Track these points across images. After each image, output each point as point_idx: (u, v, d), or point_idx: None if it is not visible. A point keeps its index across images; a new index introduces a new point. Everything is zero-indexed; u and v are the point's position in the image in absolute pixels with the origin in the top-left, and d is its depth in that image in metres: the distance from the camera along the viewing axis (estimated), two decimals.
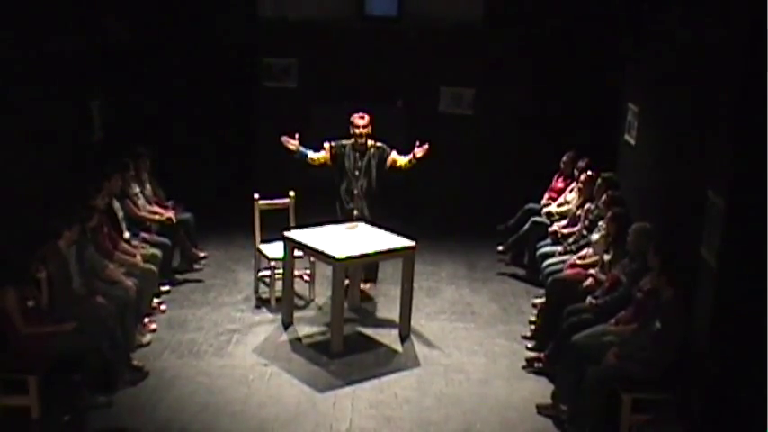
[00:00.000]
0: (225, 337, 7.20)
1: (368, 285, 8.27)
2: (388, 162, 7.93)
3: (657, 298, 5.69)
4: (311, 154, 8.00)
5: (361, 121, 7.92)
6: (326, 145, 8.02)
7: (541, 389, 6.40)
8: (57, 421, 5.74)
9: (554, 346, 6.54)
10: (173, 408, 6.03)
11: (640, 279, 6.12)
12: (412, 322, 7.41)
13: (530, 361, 6.80)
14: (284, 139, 7.94)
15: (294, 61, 10.77)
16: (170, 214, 8.38)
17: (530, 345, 7.15)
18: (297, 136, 7.96)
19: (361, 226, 7.72)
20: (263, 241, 8.00)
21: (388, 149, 7.98)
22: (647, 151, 7.91)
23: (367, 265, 8.02)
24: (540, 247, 8.31)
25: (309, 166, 8.06)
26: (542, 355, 6.72)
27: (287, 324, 7.47)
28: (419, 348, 7.15)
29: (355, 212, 7.97)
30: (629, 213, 7.10)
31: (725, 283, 5.24)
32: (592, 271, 7.01)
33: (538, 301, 7.79)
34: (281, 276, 7.63)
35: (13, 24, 7.00)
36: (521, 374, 6.72)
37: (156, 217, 8.28)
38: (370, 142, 7.97)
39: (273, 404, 6.12)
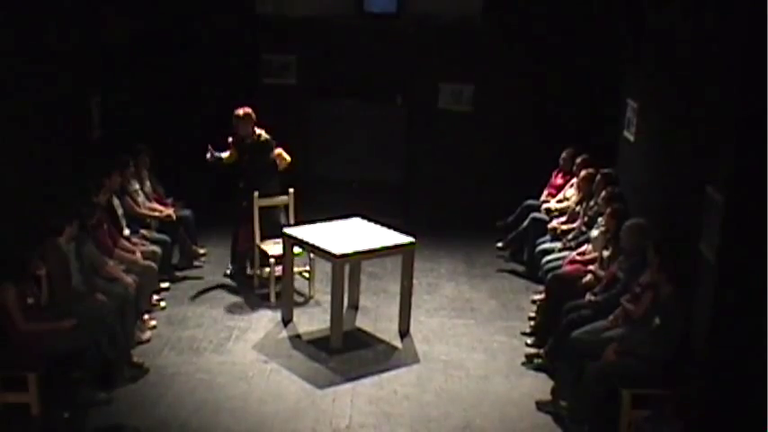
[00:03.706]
0: (224, 334, 7.21)
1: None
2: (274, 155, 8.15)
3: (657, 294, 5.69)
4: (225, 155, 8.26)
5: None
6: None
7: (541, 385, 6.40)
8: (57, 418, 5.75)
9: (553, 342, 6.55)
10: (172, 404, 6.04)
11: (638, 275, 6.12)
12: (411, 319, 7.42)
13: (529, 357, 6.81)
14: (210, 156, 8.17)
15: (293, 58, 10.75)
16: (170, 211, 8.39)
17: (529, 341, 7.15)
18: (210, 147, 8.19)
19: (360, 222, 7.73)
20: (262, 238, 8.01)
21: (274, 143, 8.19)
22: (646, 147, 7.91)
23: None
24: (540, 244, 8.32)
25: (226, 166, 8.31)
26: (541, 350, 6.73)
27: (286, 321, 7.48)
28: (419, 345, 7.15)
29: (244, 203, 8.06)
30: (628, 210, 7.11)
31: (724, 280, 5.23)
32: (591, 267, 7.01)
33: (537, 297, 7.80)
34: (280, 273, 7.63)
35: (13, 21, 6.99)
36: (520, 371, 6.72)
37: (156, 214, 8.29)
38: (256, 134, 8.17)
39: (273, 401, 6.12)
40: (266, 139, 8.15)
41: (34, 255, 6.05)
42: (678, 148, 6.68)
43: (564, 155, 9.16)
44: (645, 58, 8.20)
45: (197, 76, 10.56)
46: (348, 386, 6.38)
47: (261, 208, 7.96)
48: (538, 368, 6.70)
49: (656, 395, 5.60)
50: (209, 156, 8.20)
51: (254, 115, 8.12)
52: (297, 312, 7.64)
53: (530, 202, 9.22)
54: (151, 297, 7.48)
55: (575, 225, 8.03)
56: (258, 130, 8.14)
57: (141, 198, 8.30)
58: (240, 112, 8.07)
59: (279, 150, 8.13)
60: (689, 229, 5.87)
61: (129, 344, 6.62)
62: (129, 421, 5.79)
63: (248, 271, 8.40)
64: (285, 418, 5.89)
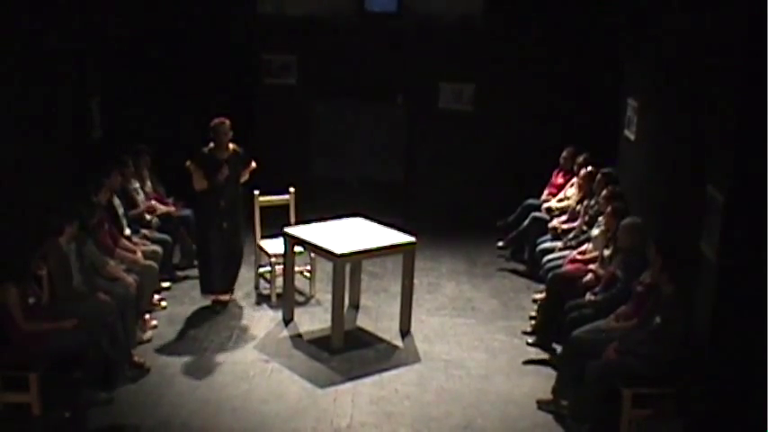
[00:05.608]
0: (225, 334, 7.21)
1: (227, 296, 7.81)
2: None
3: (658, 293, 5.69)
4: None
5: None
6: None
7: (542, 384, 6.40)
8: (58, 418, 5.75)
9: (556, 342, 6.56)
10: (173, 404, 6.04)
11: (638, 274, 6.13)
12: (412, 318, 7.42)
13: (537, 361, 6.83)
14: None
15: (294, 58, 10.76)
16: (165, 208, 8.44)
17: (530, 340, 7.16)
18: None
19: (361, 221, 7.73)
20: (263, 237, 8.01)
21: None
22: (646, 146, 7.91)
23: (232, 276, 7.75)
24: (540, 243, 8.32)
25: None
26: (549, 356, 6.76)
27: (287, 320, 7.48)
28: (420, 344, 7.16)
29: (224, 225, 7.51)
30: (628, 208, 7.11)
31: (725, 279, 5.24)
32: (592, 266, 7.01)
33: (538, 296, 7.81)
34: (281, 273, 7.64)
35: (14, 21, 7.00)
36: (521, 370, 6.73)
37: (154, 213, 8.32)
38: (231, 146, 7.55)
39: (274, 400, 6.13)
40: (243, 153, 7.57)
41: (35, 255, 6.05)
42: (678, 147, 6.68)
43: (564, 154, 9.17)
44: (645, 58, 8.20)
45: (197, 76, 10.56)
46: (349, 385, 6.38)
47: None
48: (543, 363, 6.71)
49: (657, 394, 5.60)
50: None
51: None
52: (298, 312, 7.64)
53: (530, 201, 9.22)
54: (152, 297, 7.48)
55: (575, 224, 8.03)
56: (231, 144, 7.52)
57: (141, 198, 8.31)
58: (219, 120, 7.37)
59: (254, 164, 7.68)
60: (689, 228, 5.87)
61: (130, 343, 6.62)
62: (130, 421, 5.80)
63: (230, 296, 7.81)
64: (286, 418, 5.90)
